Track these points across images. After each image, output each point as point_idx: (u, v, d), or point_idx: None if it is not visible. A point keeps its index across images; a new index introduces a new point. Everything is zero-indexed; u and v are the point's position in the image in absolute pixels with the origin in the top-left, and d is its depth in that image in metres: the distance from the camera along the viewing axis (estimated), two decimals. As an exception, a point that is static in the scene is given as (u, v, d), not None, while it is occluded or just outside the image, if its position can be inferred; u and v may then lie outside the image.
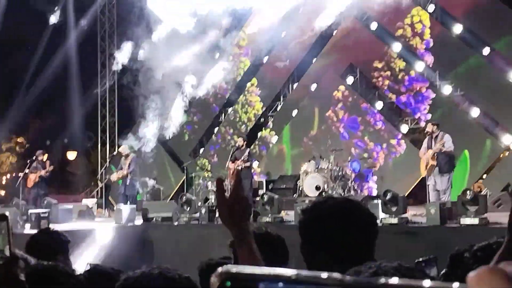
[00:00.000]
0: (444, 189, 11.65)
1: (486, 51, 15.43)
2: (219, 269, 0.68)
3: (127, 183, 14.70)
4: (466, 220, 9.44)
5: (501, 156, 15.28)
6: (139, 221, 13.16)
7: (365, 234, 1.98)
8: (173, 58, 17.46)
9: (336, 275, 0.66)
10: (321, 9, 16.26)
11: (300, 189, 14.93)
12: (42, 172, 15.24)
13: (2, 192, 25.02)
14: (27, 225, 12.01)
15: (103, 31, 21.28)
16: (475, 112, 15.46)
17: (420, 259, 2.24)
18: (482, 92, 15.25)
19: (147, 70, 17.54)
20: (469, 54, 15.54)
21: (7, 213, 1.78)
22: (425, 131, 12.44)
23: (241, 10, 17.88)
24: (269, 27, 17.97)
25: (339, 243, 1.92)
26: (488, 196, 12.14)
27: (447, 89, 15.97)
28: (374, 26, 16.88)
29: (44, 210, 12.49)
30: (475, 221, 9.30)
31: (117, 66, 19.04)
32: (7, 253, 1.69)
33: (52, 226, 10.91)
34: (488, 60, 15.41)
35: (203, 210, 12.44)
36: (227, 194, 1.90)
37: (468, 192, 9.79)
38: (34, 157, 15.54)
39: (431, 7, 16.16)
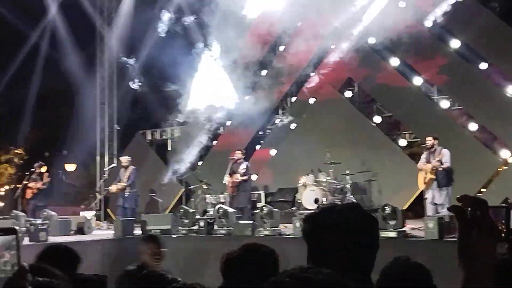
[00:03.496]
0: (442, 203, 11.68)
1: (483, 65, 15.53)
2: None
3: (126, 195, 14.70)
4: (464, 234, 9.45)
5: (498, 170, 15.31)
6: (137, 233, 13.17)
7: (368, 239, 2.00)
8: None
9: None
10: (320, 25, 16.30)
11: (299, 202, 14.94)
12: (39, 184, 15.26)
13: (1, 204, 25.00)
14: (26, 238, 11.99)
15: (103, 45, 21.36)
16: (473, 126, 15.54)
17: None
18: (480, 106, 15.34)
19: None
20: (466, 69, 15.64)
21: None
22: (424, 145, 12.49)
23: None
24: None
25: (344, 248, 1.93)
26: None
27: (445, 104, 16.05)
28: (372, 40, 16.94)
29: (43, 222, 12.49)
30: (473, 235, 9.33)
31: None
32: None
33: (51, 239, 10.92)
34: (486, 75, 15.50)
35: (202, 223, 12.47)
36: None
37: (465, 206, 9.83)
38: (33, 169, 15.57)
39: (428, 23, 16.22)
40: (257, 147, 19.26)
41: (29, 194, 15.30)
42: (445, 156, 11.78)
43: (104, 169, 20.44)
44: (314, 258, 1.97)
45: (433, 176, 11.72)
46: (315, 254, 1.98)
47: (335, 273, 1.42)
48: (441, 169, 11.70)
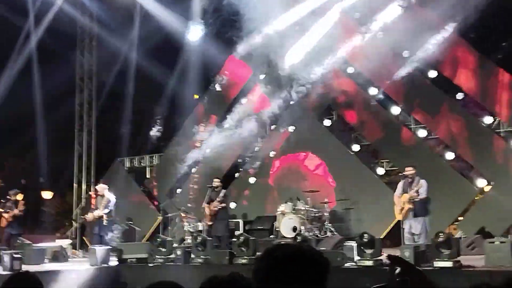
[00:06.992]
0: (419, 233, 11.69)
1: (459, 95, 15.73)
2: None
3: (103, 223, 14.53)
4: (439, 263, 9.51)
5: (475, 199, 15.42)
6: (113, 262, 13.02)
7: (317, 282, 1.96)
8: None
9: None
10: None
11: (277, 230, 14.88)
12: (16, 211, 15.02)
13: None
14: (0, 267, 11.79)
15: (82, 72, 21.34)
16: (449, 155, 15.67)
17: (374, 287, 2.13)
18: (457, 135, 15.50)
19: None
20: (443, 98, 15.84)
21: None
22: (402, 174, 12.49)
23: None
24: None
25: None
26: (461, 239, 12.24)
27: (422, 133, 16.20)
28: (351, 70, 17.10)
29: (17, 251, 12.29)
30: (449, 264, 9.38)
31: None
32: None
33: (25, 268, 10.75)
34: (462, 104, 15.71)
35: (179, 251, 12.36)
36: None
37: (441, 235, 9.89)
38: (8, 196, 15.33)
39: (406, 53, 16.35)
40: (236, 174, 19.22)
41: (3, 222, 15.04)
42: (423, 186, 11.81)
43: (82, 197, 20.28)
44: None
45: (411, 206, 11.73)
46: None
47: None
48: (418, 199, 11.72)
